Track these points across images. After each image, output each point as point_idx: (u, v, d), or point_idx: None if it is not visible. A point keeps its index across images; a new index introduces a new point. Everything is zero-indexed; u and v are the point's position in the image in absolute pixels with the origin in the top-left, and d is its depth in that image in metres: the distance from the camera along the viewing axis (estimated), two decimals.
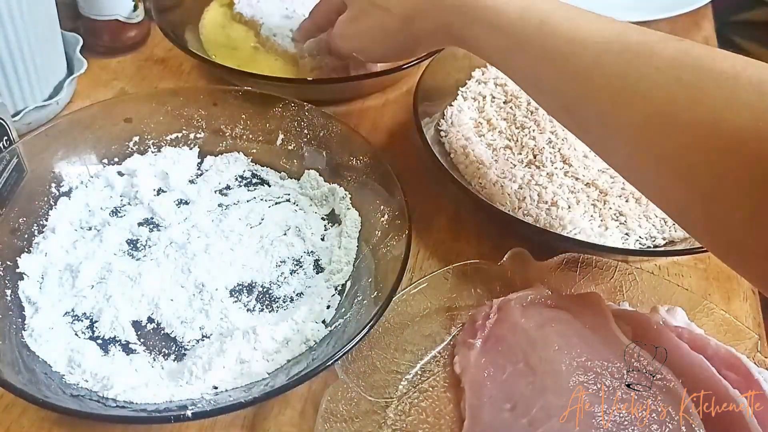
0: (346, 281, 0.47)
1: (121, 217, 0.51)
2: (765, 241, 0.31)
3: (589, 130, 0.39)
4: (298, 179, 0.54)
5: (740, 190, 0.31)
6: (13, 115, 0.55)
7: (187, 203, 0.52)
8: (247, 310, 0.45)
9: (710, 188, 0.32)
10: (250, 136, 0.56)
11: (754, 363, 0.41)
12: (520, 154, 0.56)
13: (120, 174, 0.53)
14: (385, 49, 0.53)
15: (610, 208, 0.52)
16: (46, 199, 0.50)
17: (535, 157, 0.55)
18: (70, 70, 0.62)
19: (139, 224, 0.50)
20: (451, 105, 0.61)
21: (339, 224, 0.51)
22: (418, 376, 0.42)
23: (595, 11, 0.40)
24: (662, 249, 0.50)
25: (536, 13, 0.40)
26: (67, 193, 0.51)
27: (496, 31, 0.42)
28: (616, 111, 0.36)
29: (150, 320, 0.44)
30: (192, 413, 0.35)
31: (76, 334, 0.43)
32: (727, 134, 0.31)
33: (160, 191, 0.53)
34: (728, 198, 0.32)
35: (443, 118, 0.59)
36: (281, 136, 0.56)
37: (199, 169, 0.55)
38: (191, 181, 0.54)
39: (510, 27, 0.41)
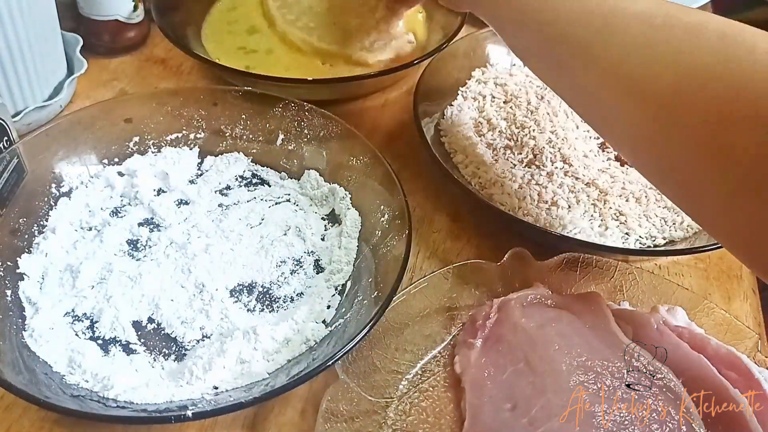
0: (346, 281, 0.47)
1: (122, 217, 0.51)
2: (716, 168, 0.33)
3: (567, 66, 0.41)
4: (298, 179, 0.54)
5: (696, 121, 0.33)
6: (13, 116, 0.55)
7: (187, 203, 0.52)
8: (248, 310, 0.45)
9: (672, 119, 0.34)
10: (250, 136, 0.56)
11: (755, 363, 0.41)
12: (520, 153, 0.56)
13: (120, 174, 0.53)
14: None
15: (610, 208, 0.52)
16: (46, 199, 0.50)
17: (535, 157, 0.55)
18: (70, 71, 0.62)
19: (140, 224, 0.50)
20: (451, 105, 0.61)
21: (339, 224, 0.51)
22: (419, 376, 0.42)
23: None
24: (662, 248, 0.50)
25: None
26: (68, 194, 0.51)
27: None
28: (595, 48, 0.39)
29: (150, 320, 0.44)
30: (192, 413, 0.35)
31: (76, 335, 0.43)
32: (690, 72, 0.34)
33: (160, 191, 0.53)
34: (686, 128, 0.34)
35: (443, 118, 0.59)
36: (281, 136, 0.56)
37: (199, 169, 0.55)
38: (191, 182, 0.54)
39: None
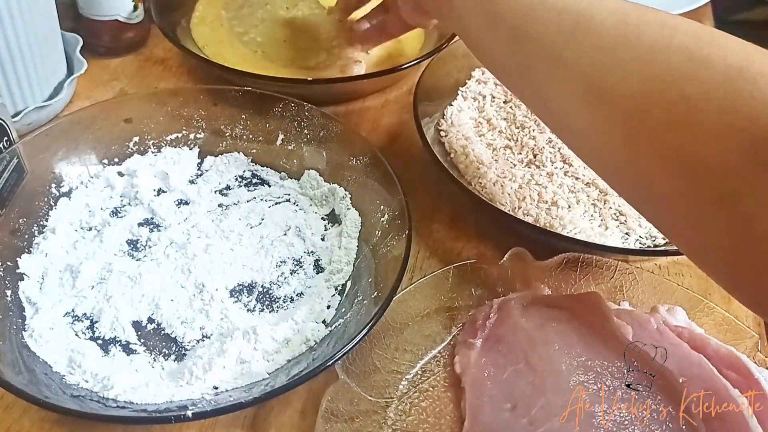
0: (346, 281, 0.47)
1: (121, 217, 0.51)
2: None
3: (535, 67, 0.39)
4: (298, 179, 0.54)
5: (663, 127, 0.32)
6: (13, 116, 0.55)
7: (187, 203, 0.52)
8: (248, 310, 0.45)
9: (638, 125, 0.33)
10: (250, 136, 0.56)
11: (755, 362, 0.41)
12: (520, 153, 0.56)
13: (120, 174, 0.53)
14: None
15: (610, 208, 0.52)
16: (46, 199, 0.50)
17: (535, 157, 0.55)
18: (70, 71, 0.62)
19: (140, 224, 0.50)
20: (451, 105, 0.61)
21: (339, 224, 0.51)
22: (419, 376, 0.42)
23: None
24: (662, 248, 0.50)
25: None
26: (67, 194, 0.51)
27: None
28: (565, 51, 0.37)
29: (150, 320, 0.44)
30: (192, 413, 0.35)
31: (76, 335, 0.43)
32: (660, 73, 0.32)
33: (160, 191, 0.53)
34: (653, 134, 0.32)
35: (443, 118, 0.59)
36: (281, 136, 0.56)
37: (199, 169, 0.55)
38: (191, 182, 0.54)
39: None
